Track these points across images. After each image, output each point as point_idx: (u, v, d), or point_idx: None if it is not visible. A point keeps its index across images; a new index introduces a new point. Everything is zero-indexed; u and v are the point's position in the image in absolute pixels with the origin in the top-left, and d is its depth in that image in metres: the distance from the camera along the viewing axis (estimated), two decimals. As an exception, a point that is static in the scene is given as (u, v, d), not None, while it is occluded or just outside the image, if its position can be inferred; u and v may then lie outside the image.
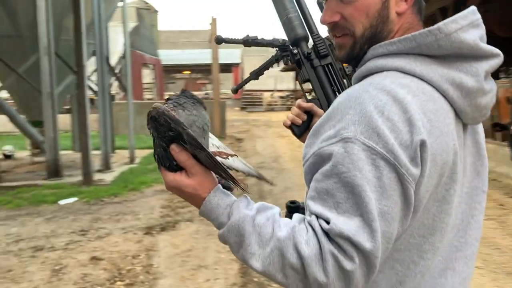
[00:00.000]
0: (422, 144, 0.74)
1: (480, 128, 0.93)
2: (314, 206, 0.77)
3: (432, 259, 0.83)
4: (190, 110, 0.84)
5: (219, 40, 1.28)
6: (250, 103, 30.96)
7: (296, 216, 0.82)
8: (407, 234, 0.80)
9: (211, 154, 0.82)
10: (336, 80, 1.18)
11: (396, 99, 0.75)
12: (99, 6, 8.71)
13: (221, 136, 14.10)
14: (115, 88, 15.93)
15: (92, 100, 10.89)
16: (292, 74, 40.60)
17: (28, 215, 5.78)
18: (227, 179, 0.86)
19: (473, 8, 0.84)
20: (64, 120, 14.46)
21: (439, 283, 0.84)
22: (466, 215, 0.88)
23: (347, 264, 0.71)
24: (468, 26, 0.81)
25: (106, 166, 8.77)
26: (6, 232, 5.09)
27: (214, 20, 14.45)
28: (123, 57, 10.45)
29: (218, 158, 0.86)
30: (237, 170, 0.92)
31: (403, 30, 0.87)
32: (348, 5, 0.86)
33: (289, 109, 30.49)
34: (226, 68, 30.82)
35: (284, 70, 40.45)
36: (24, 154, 10.35)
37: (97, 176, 7.97)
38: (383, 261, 0.77)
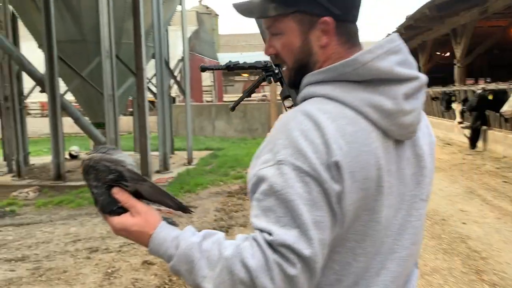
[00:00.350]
0: (336, 164, 0.83)
1: (422, 140, 1.00)
2: (258, 222, 0.84)
3: (366, 262, 0.91)
4: (115, 154, 0.90)
5: (203, 68, 1.42)
6: (309, 104, 30.42)
7: (240, 235, 0.87)
8: (343, 239, 0.88)
9: (154, 183, 0.90)
10: None
11: (316, 124, 0.85)
12: (158, 10, 8.83)
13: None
14: (176, 90, 16.25)
15: (153, 103, 11.13)
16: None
17: (87, 215, 5.89)
18: (174, 204, 0.93)
19: (392, 36, 0.93)
20: (128, 122, 14.99)
21: (374, 281, 0.92)
22: (404, 221, 0.96)
23: (291, 270, 0.80)
24: (384, 54, 0.89)
25: (164, 167, 8.87)
26: (66, 232, 5.19)
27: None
28: (182, 60, 10.55)
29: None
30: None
31: (333, 59, 0.94)
32: (278, 41, 0.98)
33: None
34: (285, 69, 30.53)
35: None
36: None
37: (155, 177, 8.05)
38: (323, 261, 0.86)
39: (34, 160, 10.32)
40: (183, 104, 11.34)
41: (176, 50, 15.21)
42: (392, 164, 0.92)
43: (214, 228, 5.05)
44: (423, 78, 0.94)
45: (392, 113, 0.89)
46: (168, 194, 0.92)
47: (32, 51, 9.44)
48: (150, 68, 9.24)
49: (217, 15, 36.85)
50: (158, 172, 8.62)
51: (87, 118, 9.53)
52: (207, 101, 25.08)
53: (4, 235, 5.21)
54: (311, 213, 0.81)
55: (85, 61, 8.57)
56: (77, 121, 9.01)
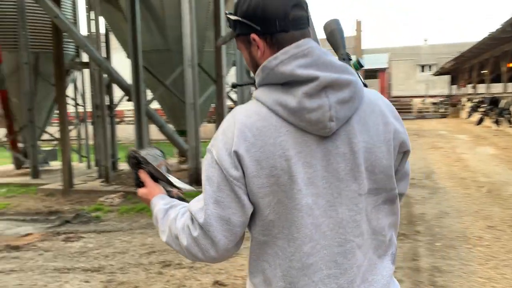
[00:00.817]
0: (236, 153, 1.04)
1: (360, 137, 1.08)
2: None
3: (298, 248, 1.07)
4: (147, 149, 1.38)
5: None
6: (398, 110, 28.70)
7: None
8: (280, 226, 1.08)
9: (155, 166, 1.32)
10: None
11: (235, 120, 1.08)
12: (240, 16, 8.70)
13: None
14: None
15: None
16: (446, 78, 36.82)
17: (165, 225, 5.83)
18: (166, 181, 1.34)
19: (301, 41, 1.07)
20: (212, 129, 15.20)
21: (326, 274, 1.08)
22: (346, 216, 1.08)
23: (193, 232, 1.09)
24: (288, 59, 1.05)
25: (244, 176, 8.67)
26: (142, 242, 5.15)
27: (358, 23, 13.63)
28: (263, 66, 10.35)
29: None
30: (179, 188, 1.36)
31: None
32: None
33: (443, 116, 27.72)
34: (372, 73, 29.35)
35: (437, 74, 36.93)
36: (173, 161, 10.98)
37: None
38: (270, 247, 1.10)
39: (123, 165, 10.74)
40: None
41: (259, 56, 15.07)
42: (314, 158, 1.05)
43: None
44: (324, 77, 1.02)
45: (296, 111, 1.03)
46: (163, 174, 1.32)
47: (124, 62, 9.86)
48: (231, 76, 9.16)
49: (302, 20, 36.52)
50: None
51: (171, 126, 9.70)
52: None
53: (86, 242, 5.32)
54: (214, 193, 1.06)
55: (170, 70, 8.72)
56: (161, 128, 9.19)
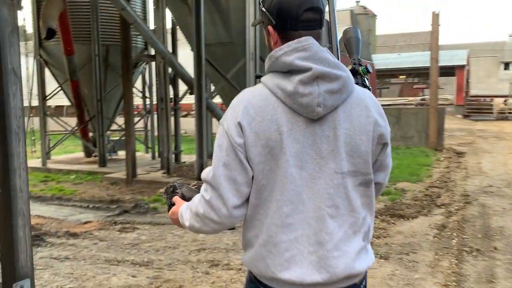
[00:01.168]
0: (239, 124, 1.26)
1: (343, 124, 1.29)
2: None
3: (280, 208, 1.29)
4: (185, 183, 1.63)
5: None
6: (476, 110, 26.83)
7: None
8: (269, 190, 1.29)
9: (188, 186, 1.57)
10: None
11: (243, 98, 1.31)
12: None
13: (436, 148, 12.21)
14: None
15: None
16: (534, 76, 33.58)
17: (219, 221, 5.70)
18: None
19: (303, 38, 1.27)
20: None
21: (300, 234, 1.29)
22: (322, 188, 1.29)
23: (206, 196, 1.30)
24: (291, 51, 1.26)
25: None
26: (193, 238, 5.04)
27: (435, 15, 12.66)
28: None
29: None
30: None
31: None
32: None
33: (528, 118, 25.28)
34: (449, 71, 27.49)
35: (523, 72, 33.80)
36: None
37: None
38: (262, 209, 1.30)
39: (186, 158, 10.85)
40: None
41: (326, 51, 14.59)
42: (302, 136, 1.27)
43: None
44: (316, 69, 1.24)
45: (291, 94, 1.25)
46: (195, 190, 1.51)
47: (190, 57, 9.90)
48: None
49: (375, 15, 35.17)
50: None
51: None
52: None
53: (140, 234, 5.32)
54: (224, 157, 1.27)
55: (232, 63, 8.60)
56: (222, 122, 9.13)
